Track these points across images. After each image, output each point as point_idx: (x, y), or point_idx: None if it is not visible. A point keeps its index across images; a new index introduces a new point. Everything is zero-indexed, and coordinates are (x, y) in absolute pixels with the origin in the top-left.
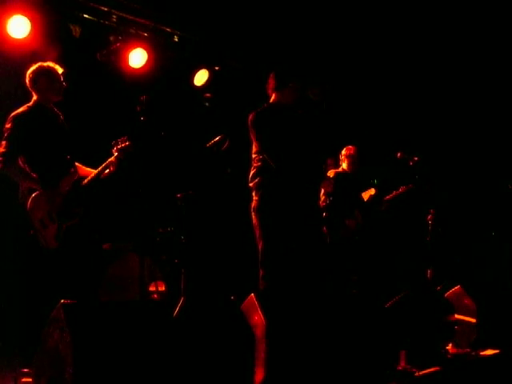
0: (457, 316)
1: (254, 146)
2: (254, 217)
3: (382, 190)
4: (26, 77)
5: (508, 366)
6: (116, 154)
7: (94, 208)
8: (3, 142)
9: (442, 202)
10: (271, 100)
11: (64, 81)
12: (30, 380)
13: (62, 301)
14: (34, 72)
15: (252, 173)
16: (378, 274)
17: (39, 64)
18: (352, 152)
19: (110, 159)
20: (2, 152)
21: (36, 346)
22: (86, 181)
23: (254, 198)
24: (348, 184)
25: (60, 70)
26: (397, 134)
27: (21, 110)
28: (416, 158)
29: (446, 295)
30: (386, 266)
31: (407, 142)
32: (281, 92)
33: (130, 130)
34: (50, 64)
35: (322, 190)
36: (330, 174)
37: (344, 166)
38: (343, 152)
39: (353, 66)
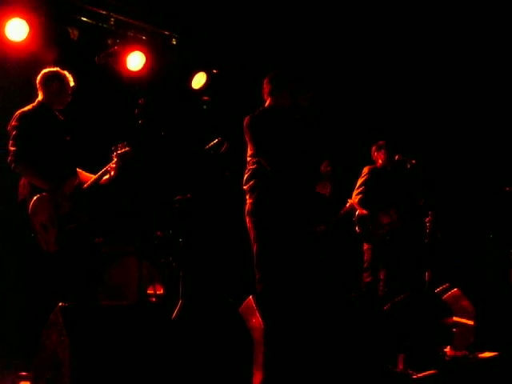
0: (455, 318)
1: (249, 149)
2: (248, 219)
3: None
4: (38, 74)
5: (506, 368)
6: (115, 159)
7: (93, 212)
8: (12, 141)
9: (439, 205)
10: (267, 104)
11: (71, 94)
12: (29, 383)
13: (60, 304)
14: (50, 73)
15: (246, 175)
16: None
17: (57, 68)
18: (383, 143)
19: (109, 165)
20: (13, 151)
21: (34, 348)
22: (85, 186)
23: (248, 201)
24: (384, 179)
25: (72, 83)
26: (394, 137)
27: (26, 108)
28: (414, 161)
29: (444, 298)
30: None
31: (405, 144)
32: (276, 96)
33: (128, 134)
34: (67, 73)
35: (358, 182)
36: (366, 169)
37: (381, 161)
38: (374, 148)
39: (348, 69)
